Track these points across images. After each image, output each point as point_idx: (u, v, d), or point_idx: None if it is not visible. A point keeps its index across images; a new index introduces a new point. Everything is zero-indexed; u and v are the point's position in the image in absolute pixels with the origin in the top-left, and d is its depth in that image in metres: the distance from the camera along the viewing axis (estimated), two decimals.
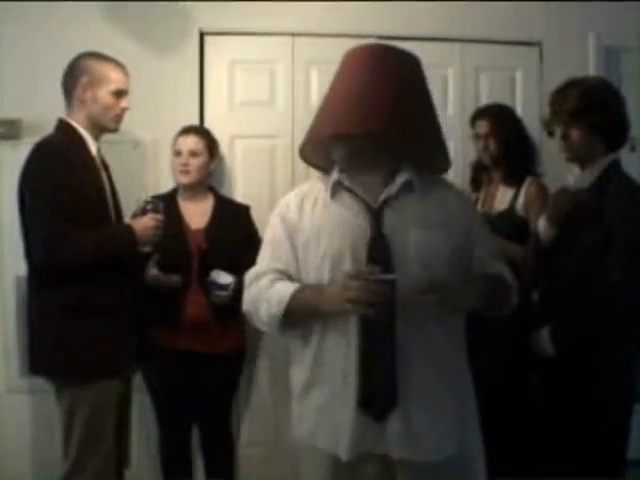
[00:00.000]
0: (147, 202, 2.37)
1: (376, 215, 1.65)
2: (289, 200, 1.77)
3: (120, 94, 2.37)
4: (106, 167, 2.44)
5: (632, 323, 2.11)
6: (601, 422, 2.06)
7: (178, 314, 2.67)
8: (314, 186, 1.78)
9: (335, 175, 1.71)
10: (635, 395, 2.15)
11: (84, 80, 2.31)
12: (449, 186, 1.81)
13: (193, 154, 2.81)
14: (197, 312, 2.67)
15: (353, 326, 1.61)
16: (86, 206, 2.22)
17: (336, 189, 1.71)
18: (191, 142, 2.83)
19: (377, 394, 1.60)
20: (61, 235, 2.15)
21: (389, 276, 1.50)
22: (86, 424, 2.21)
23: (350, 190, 1.69)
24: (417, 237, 1.62)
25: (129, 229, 2.30)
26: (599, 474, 2.04)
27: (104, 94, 2.33)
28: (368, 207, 1.66)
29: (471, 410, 1.73)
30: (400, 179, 1.67)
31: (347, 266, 1.60)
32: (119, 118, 2.40)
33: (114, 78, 2.35)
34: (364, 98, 1.62)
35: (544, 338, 2.15)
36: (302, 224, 1.70)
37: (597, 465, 2.05)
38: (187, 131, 2.87)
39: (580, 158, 2.16)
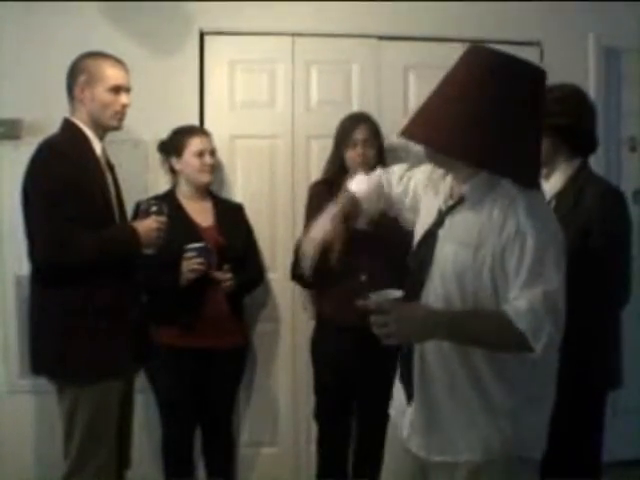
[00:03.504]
0: (151, 204, 2.36)
1: (436, 221, 1.64)
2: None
3: (118, 90, 2.33)
4: (111, 167, 2.43)
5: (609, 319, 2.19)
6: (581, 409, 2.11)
7: (197, 312, 2.67)
8: None
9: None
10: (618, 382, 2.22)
11: (81, 79, 2.30)
12: (511, 196, 1.53)
13: (212, 153, 2.87)
14: (216, 308, 2.69)
15: None
16: (90, 206, 2.22)
17: (437, 184, 1.72)
18: (208, 142, 2.87)
19: (405, 375, 1.70)
20: (64, 235, 2.14)
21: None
22: (87, 424, 2.20)
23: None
24: (450, 252, 1.57)
25: (133, 231, 2.29)
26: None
27: (100, 91, 2.30)
28: (439, 211, 1.66)
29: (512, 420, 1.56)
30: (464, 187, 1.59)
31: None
32: (120, 115, 2.36)
33: (110, 75, 2.32)
34: (427, 101, 1.58)
35: None
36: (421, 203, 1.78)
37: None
38: (201, 132, 2.90)
39: (544, 162, 2.19)
